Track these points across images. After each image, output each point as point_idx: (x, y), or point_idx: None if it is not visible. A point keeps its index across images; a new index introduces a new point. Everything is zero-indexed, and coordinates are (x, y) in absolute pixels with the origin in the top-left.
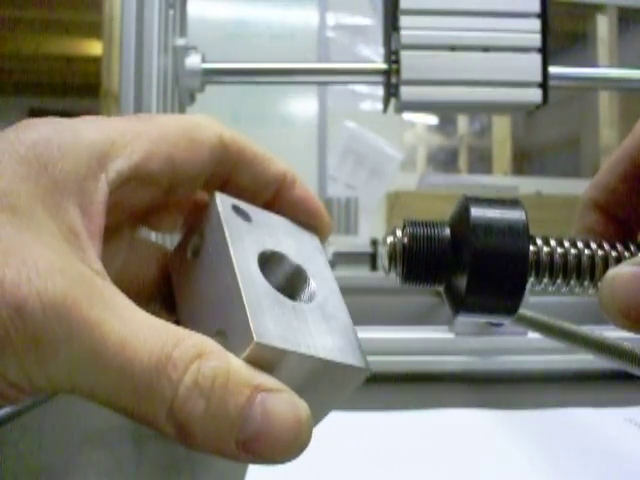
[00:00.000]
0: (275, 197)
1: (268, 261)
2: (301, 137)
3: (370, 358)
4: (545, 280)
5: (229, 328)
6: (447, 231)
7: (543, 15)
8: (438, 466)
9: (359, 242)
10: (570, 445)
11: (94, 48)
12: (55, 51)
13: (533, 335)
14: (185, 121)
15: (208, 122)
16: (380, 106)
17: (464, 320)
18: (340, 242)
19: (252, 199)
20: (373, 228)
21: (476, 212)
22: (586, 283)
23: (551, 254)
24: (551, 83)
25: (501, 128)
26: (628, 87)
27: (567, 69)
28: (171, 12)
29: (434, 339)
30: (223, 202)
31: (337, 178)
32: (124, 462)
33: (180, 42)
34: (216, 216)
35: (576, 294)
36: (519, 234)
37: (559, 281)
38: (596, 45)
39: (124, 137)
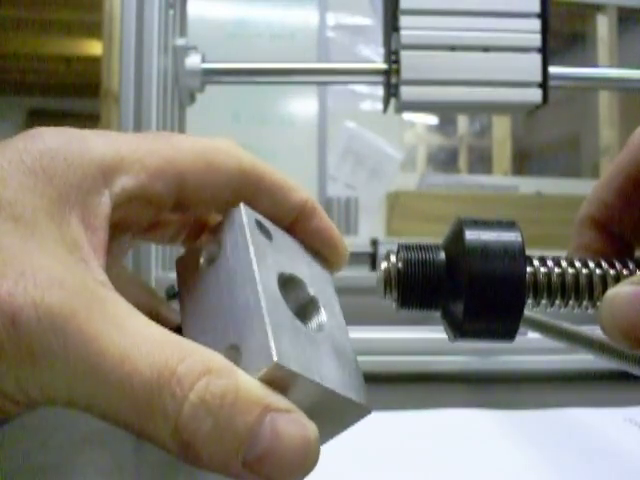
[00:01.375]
0: (293, 224)
1: (285, 284)
2: (301, 137)
3: (370, 358)
4: (543, 301)
5: (244, 344)
6: (442, 255)
7: (543, 15)
8: (438, 466)
9: (359, 242)
10: (570, 445)
11: (94, 48)
12: (55, 51)
13: (533, 335)
14: (203, 144)
15: (228, 147)
16: (380, 106)
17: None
18: None
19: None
20: (373, 228)
21: (471, 235)
22: (585, 303)
23: (548, 275)
24: (551, 83)
25: (501, 128)
26: (628, 87)
27: (567, 69)
28: (171, 12)
29: (434, 339)
30: (248, 215)
31: (337, 178)
32: (124, 462)
33: (180, 42)
34: (240, 228)
35: (575, 313)
36: (515, 256)
37: (557, 302)
38: (596, 45)
39: (134, 154)
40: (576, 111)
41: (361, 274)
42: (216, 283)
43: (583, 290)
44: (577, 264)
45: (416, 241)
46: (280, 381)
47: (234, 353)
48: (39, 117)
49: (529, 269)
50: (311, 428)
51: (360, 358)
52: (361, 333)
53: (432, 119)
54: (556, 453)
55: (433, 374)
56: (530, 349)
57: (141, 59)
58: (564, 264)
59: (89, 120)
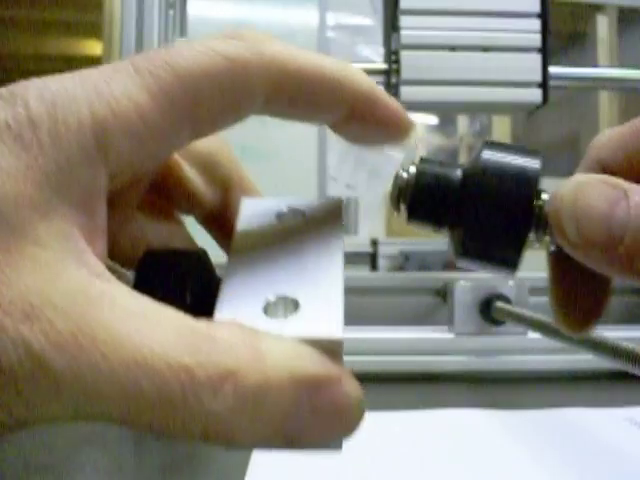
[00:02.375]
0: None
1: None
2: (301, 137)
3: (370, 358)
4: (547, 238)
5: (307, 302)
6: (458, 172)
7: (543, 15)
8: (438, 466)
9: (359, 242)
10: (570, 445)
11: (94, 48)
12: (55, 51)
13: (533, 335)
14: (209, 50)
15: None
16: None
17: (463, 319)
18: None
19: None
20: (373, 228)
21: (487, 155)
22: None
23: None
24: (551, 83)
25: (501, 128)
26: (628, 87)
27: (567, 69)
28: (171, 12)
29: (434, 339)
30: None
31: (337, 178)
32: (124, 462)
33: None
34: (338, 207)
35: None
36: (526, 182)
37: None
38: (596, 45)
39: (127, 95)
40: (576, 111)
41: (361, 274)
42: (287, 239)
43: None
44: None
45: (437, 158)
46: (327, 350)
47: (283, 304)
48: None
49: (538, 201)
50: (351, 391)
51: (360, 358)
52: (361, 333)
53: (432, 119)
54: (556, 453)
55: (433, 374)
56: (530, 349)
57: None
58: None
59: None
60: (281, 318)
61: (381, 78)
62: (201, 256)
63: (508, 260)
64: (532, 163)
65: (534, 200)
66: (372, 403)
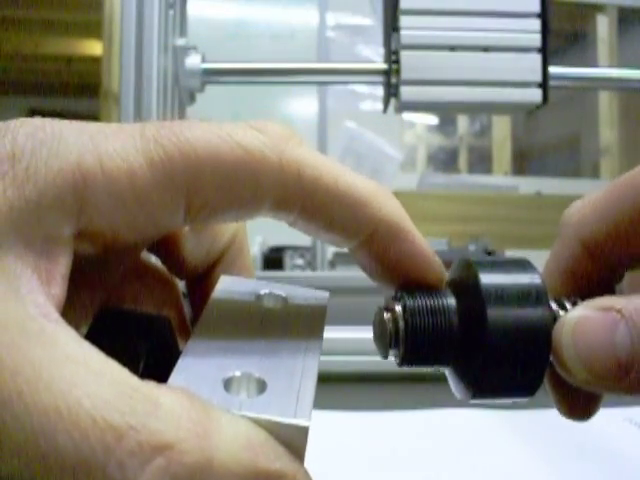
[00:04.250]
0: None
1: None
2: (301, 137)
3: (370, 358)
4: None
5: (273, 383)
6: (452, 301)
7: (543, 15)
8: (438, 466)
9: None
10: (570, 445)
11: (94, 48)
12: (55, 51)
13: None
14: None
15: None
16: (380, 106)
17: None
18: None
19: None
20: None
21: (486, 279)
22: None
23: None
24: (551, 83)
25: (501, 128)
26: (628, 87)
27: (567, 69)
28: (171, 12)
29: None
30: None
31: None
32: None
33: (180, 42)
34: (323, 299)
35: None
36: (539, 302)
37: None
38: (596, 45)
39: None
40: (576, 111)
41: (361, 274)
42: (263, 321)
43: None
44: None
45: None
46: (288, 439)
47: (247, 382)
48: (39, 117)
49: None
50: None
51: (360, 358)
52: (361, 333)
53: (432, 119)
54: (556, 453)
55: (433, 374)
56: None
57: (141, 59)
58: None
59: (89, 120)
60: (243, 396)
61: (381, 78)
62: (164, 322)
63: (532, 387)
64: (534, 278)
65: (551, 326)
66: (371, 403)
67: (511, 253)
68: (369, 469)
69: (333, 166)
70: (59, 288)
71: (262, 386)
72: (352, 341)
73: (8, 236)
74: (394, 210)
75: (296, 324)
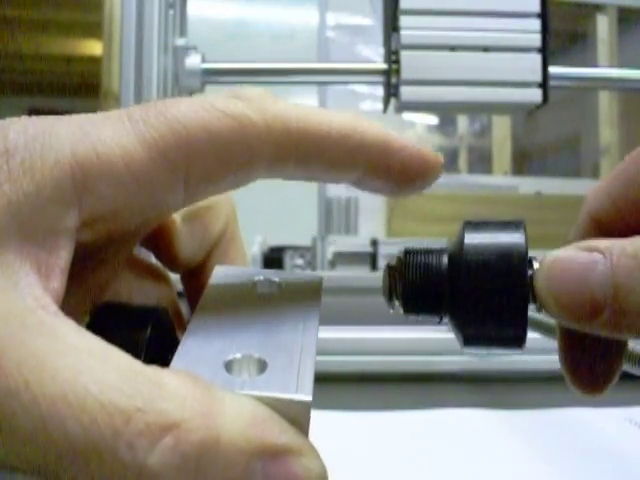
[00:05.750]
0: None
1: None
2: None
3: (370, 358)
4: None
5: (274, 363)
6: (445, 258)
7: (543, 15)
8: (438, 466)
9: (359, 242)
10: (570, 445)
11: (94, 48)
12: (55, 51)
13: (533, 335)
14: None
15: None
16: (380, 106)
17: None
18: (340, 242)
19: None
20: (373, 228)
21: (470, 238)
22: None
23: None
24: (551, 83)
25: (501, 128)
26: (628, 87)
27: (567, 69)
28: (171, 12)
29: (434, 339)
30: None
31: None
32: None
33: (180, 42)
34: (317, 284)
35: None
36: (517, 258)
37: None
38: (596, 45)
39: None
40: (576, 111)
41: (361, 274)
42: (260, 305)
43: None
44: None
45: (421, 245)
46: (292, 415)
47: (248, 363)
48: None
49: (530, 271)
50: (312, 466)
51: (360, 358)
52: (361, 333)
53: (432, 119)
54: (556, 453)
55: (433, 374)
56: (530, 349)
57: (141, 59)
58: None
59: None
60: (244, 377)
61: (381, 78)
62: (162, 314)
63: (514, 338)
64: (517, 237)
65: (527, 273)
66: (371, 403)
67: None
68: (369, 469)
69: (311, 111)
70: (58, 282)
71: (263, 366)
72: (352, 341)
73: (7, 230)
74: (376, 129)
75: (292, 306)
